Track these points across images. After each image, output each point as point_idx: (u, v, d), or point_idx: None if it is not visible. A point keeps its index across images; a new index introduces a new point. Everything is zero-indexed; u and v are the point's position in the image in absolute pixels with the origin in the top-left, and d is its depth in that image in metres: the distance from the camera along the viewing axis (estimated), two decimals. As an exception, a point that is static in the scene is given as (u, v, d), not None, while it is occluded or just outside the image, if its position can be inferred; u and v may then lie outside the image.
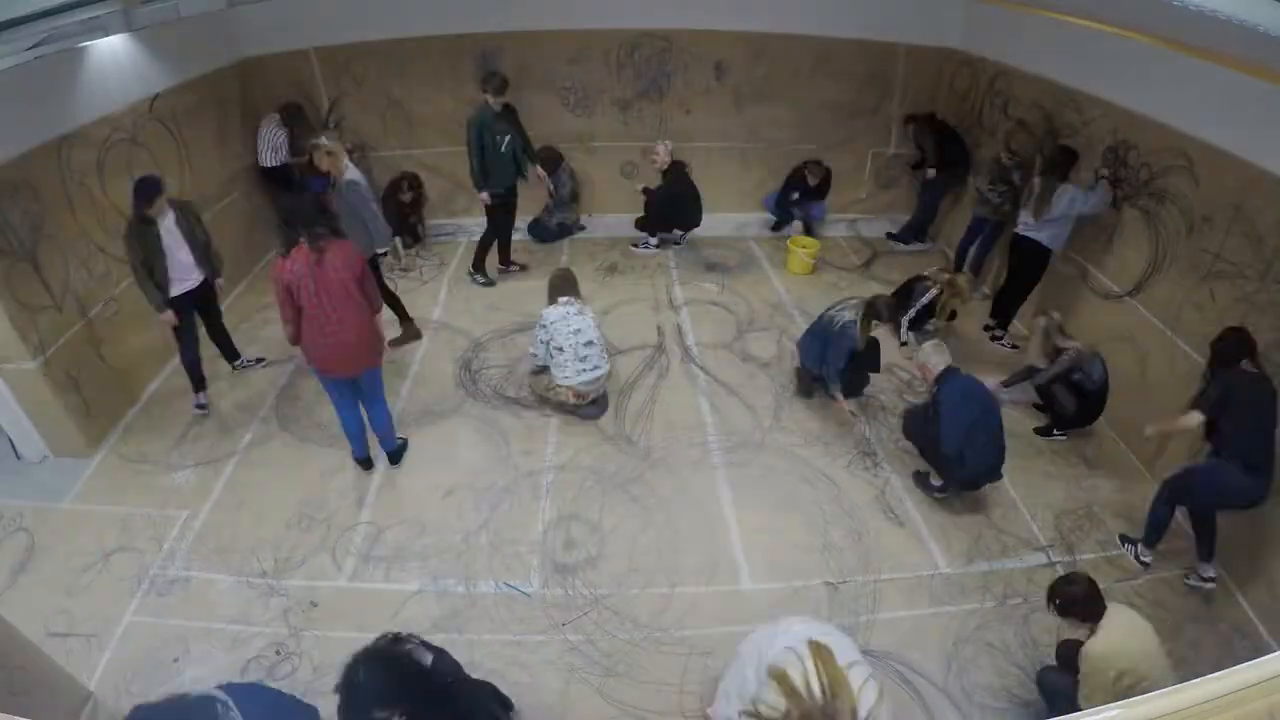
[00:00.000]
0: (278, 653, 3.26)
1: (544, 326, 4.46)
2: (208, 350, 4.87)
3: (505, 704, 2.84)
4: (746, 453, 4.46)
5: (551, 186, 6.59)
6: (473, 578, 3.63)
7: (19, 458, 4.33)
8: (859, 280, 6.48)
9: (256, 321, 5.73)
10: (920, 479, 4.20)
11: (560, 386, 4.52)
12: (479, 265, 6.26)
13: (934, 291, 5.43)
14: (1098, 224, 4.91)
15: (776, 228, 7.31)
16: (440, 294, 6.16)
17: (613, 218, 7.29)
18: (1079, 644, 2.75)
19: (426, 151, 7.02)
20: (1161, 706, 0.96)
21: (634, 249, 6.93)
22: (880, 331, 4.60)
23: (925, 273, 5.64)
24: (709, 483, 4.24)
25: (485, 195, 5.74)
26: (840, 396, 4.52)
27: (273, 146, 6.26)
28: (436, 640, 3.28)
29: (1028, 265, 5.23)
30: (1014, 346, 5.48)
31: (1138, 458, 4.45)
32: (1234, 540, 3.62)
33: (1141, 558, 3.74)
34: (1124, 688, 2.50)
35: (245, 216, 6.32)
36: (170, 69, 5.27)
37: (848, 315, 4.48)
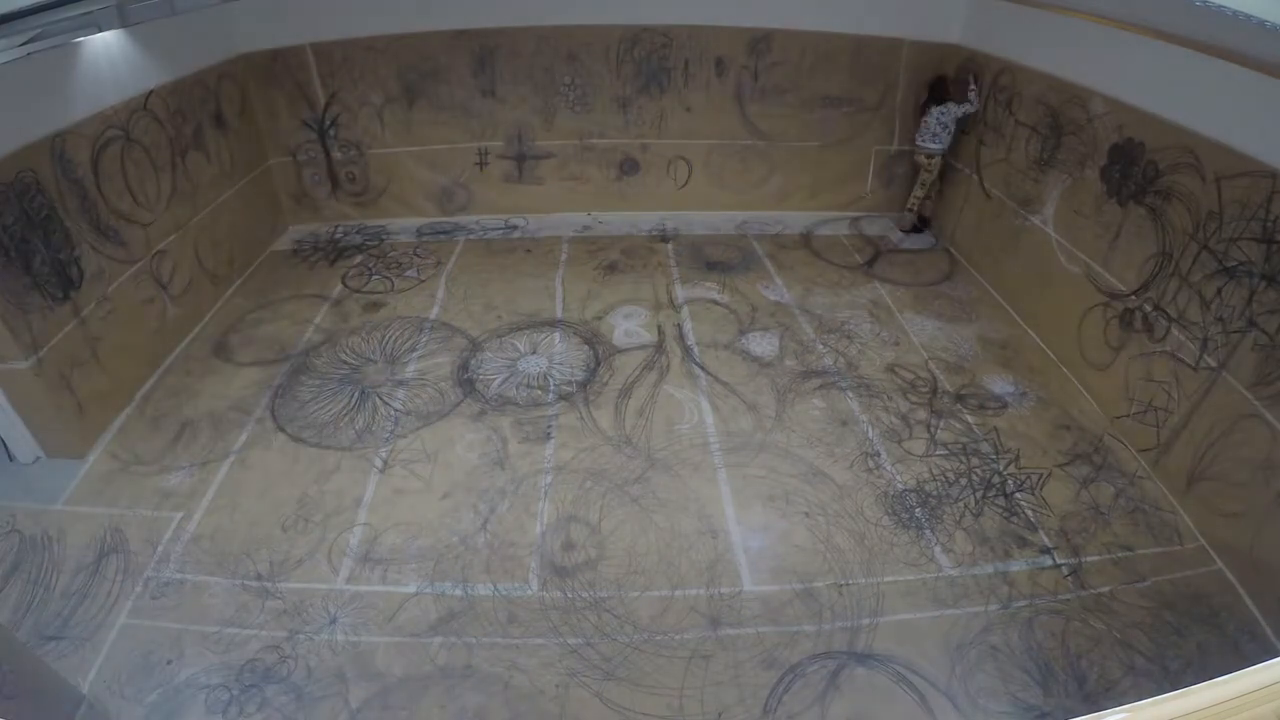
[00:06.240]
0: (273, 655, 3.22)
1: None
2: (200, 348, 4.76)
3: None
4: (747, 453, 4.42)
5: None
6: (471, 580, 3.59)
7: (11, 459, 4.29)
8: (861, 279, 6.42)
9: (249, 321, 5.69)
10: None
11: None
12: None
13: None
14: (1101, 221, 4.86)
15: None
16: (439, 293, 6.12)
17: (617, 215, 7.30)
18: None
19: (425, 149, 6.98)
20: (1171, 710, 0.94)
21: None
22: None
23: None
24: (709, 483, 4.20)
25: None
26: None
27: None
28: (434, 644, 3.29)
29: None
30: None
31: (1142, 458, 4.40)
32: (1237, 541, 3.59)
33: None
34: None
35: (242, 211, 6.28)
36: (165, 65, 5.22)
37: None
